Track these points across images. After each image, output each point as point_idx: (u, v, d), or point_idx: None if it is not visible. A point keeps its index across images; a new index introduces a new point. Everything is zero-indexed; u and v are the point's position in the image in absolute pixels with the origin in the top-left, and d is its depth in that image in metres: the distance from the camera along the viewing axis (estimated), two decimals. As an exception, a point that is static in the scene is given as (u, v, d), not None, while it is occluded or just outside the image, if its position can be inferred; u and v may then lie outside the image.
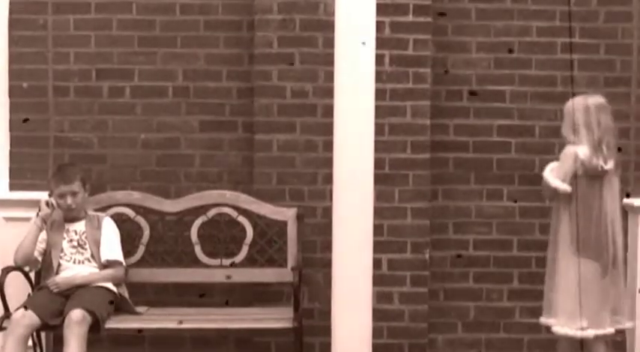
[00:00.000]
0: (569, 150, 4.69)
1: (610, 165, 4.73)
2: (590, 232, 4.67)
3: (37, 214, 5.23)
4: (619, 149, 4.87)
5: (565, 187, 4.65)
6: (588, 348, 4.72)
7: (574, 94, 5.70)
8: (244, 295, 5.64)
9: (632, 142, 5.79)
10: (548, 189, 4.73)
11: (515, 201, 5.69)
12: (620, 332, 4.82)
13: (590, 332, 4.64)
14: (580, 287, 4.54)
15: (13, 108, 5.72)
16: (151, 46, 5.71)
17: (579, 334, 4.64)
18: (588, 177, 4.68)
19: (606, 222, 4.73)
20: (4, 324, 4.94)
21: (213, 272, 5.50)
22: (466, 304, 5.51)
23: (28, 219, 5.36)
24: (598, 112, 4.73)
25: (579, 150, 4.66)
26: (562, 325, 4.68)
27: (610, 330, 4.72)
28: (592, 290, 4.63)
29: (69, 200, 5.20)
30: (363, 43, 4.99)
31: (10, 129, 5.73)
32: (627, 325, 4.85)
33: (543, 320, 4.84)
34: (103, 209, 5.46)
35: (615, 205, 4.79)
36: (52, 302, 5.03)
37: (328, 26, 5.48)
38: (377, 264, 5.53)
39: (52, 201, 5.19)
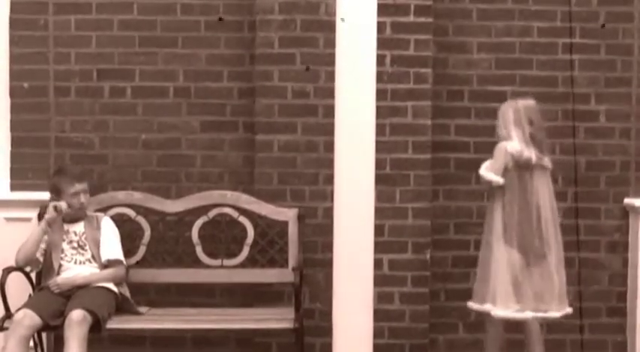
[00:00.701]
0: (500, 145, 5.03)
1: (545, 161, 5.05)
2: (521, 223, 4.97)
3: (40, 216, 5.23)
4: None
5: (497, 179, 4.98)
6: (524, 330, 5.11)
7: (574, 95, 5.76)
8: (245, 295, 5.64)
9: (632, 142, 5.79)
10: (484, 183, 5.08)
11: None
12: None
13: (529, 314, 4.97)
14: (511, 274, 4.94)
15: (14, 108, 5.72)
16: (152, 46, 5.70)
17: (519, 315, 4.97)
18: (519, 170, 4.99)
19: (538, 215, 5.00)
20: (5, 325, 4.94)
21: (214, 273, 5.50)
22: (467, 304, 5.48)
23: (28, 220, 5.36)
24: (527, 112, 5.06)
25: (509, 145, 5.00)
26: (499, 308, 4.97)
27: (554, 314, 5.03)
28: (521, 277, 4.96)
29: (82, 198, 5.21)
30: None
31: (11, 130, 5.73)
32: (567, 310, 5.10)
33: (477, 306, 5.09)
34: (104, 209, 5.46)
35: (551, 200, 5.08)
36: (53, 302, 5.02)
37: (329, 26, 5.50)
38: (378, 264, 5.54)
39: (62, 205, 5.15)
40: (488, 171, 5.02)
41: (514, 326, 5.16)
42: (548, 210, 5.04)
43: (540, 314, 5.01)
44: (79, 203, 5.20)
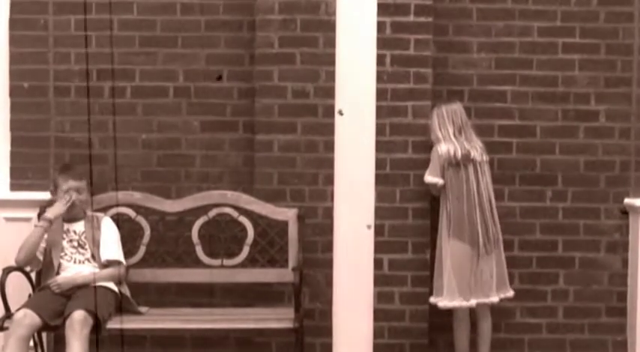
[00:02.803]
0: (433, 149, 5.38)
1: (476, 155, 5.36)
2: (463, 217, 5.29)
3: (40, 216, 5.22)
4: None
5: (437, 180, 5.34)
6: (477, 316, 5.45)
7: (574, 95, 5.76)
8: (245, 295, 5.64)
9: (632, 142, 5.79)
10: (432, 188, 5.42)
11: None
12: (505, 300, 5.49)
13: (473, 302, 5.30)
14: (459, 267, 5.28)
15: (14, 108, 5.72)
16: (152, 46, 5.70)
17: (465, 304, 5.29)
18: (454, 168, 5.31)
19: (482, 207, 5.33)
20: (5, 324, 4.94)
21: (214, 273, 5.50)
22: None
23: (28, 220, 5.36)
24: (449, 114, 5.38)
25: (438, 147, 5.34)
26: (448, 301, 5.30)
27: (494, 299, 5.37)
28: (468, 269, 5.28)
29: (74, 196, 5.21)
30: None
31: (11, 130, 5.73)
32: (509, 294, 5.47)
33: (432, 299, 5.41)
34: (104, 209, 5.46)
35: (490, 190, 5.40)
36: (53, 302, 5.02)
37: (329, 26, 5.49)
38: (378, 264, 5.54)
39: (71, 197, 5.17)
40: (428, 175, 5.37)
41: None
42: (484, 198, 5.33)
43: (482, 300, 5.33)
44: (70, 200, 5.19)
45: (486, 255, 5.31)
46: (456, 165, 5.31)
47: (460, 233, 5.27)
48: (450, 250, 5.30)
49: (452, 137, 5.34)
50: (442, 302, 5.32)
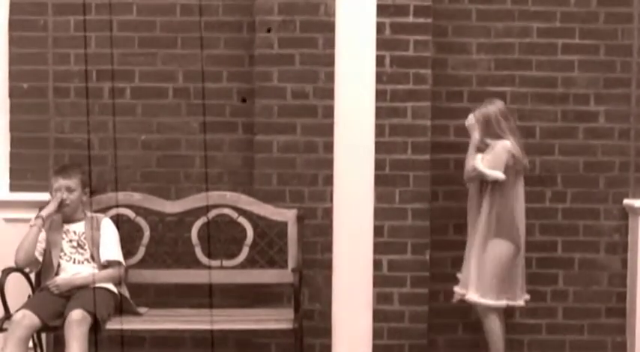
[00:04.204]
0: (502, 143, 5.18)
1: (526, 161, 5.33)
2: (512, 217, 5.20)
3: (37, 215, 5.23)
4: None
5: (501, 175, 5.15)
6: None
7: (573, 96, 5.76)
8: (245, 296, 5.64)
9: (631, 143, 5.79)
10: (473, 178, 5.25)
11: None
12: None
13: (503, 303, 5.24)
14: (498, 266, 5.17)
15: (14, 109, 5.72)
16: (152, 47, 5.71)
17: (502, 304, 5.23)
18: (512, 170, 5.20)
19: (520, 209, 5.26)
20: (4, 325, 4.94)
21: (214, 274, 5.50)
22: (466, 305, 5.49)
23: (28, 220, 5.35)
24: (506, 111, 5.32)
25: (504, 142, 5.19)
26: (493, 300, 5.20)
27: (520, 302, 5.35)
28: (508, 269, 5.21)
29: (64, 194, 5.21)
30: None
31: (11, 130, 5.73)
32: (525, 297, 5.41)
33: (475, 297, 5.22)
34: (104, 210, 5.46)
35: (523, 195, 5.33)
36: (52, 303, 5.03)
37: (328, 27, 5.49)
38: (377, 265, 5.52)
39: (64, 194, 5.18)
40: (490, 170, 5.15)
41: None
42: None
43: (512, 302, 5.29)
44: (60, 198, 5.19)
45: (519, 256, 5.29)
46: (513, 163, 5.20)
47: (506, 232, 5.18)
48: (494, 249, 5.19)
49: (510, 135, 5.23)
50: (485, 300, 5.20)
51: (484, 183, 5.23)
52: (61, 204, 5.22)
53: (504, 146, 5.18)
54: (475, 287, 5.21)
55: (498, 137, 5.22)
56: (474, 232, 5.29)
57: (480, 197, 5.27)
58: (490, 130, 5.24)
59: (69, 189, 5.23)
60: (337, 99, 5.51)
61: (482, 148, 5.26)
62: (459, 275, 5.44)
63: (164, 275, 5.53)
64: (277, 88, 5.56)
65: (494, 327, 5.23)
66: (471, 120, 5.31)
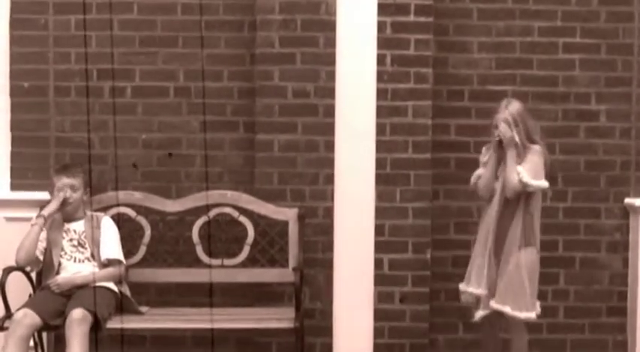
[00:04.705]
0: (538, 148, 4.91)
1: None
2: (538, 224, 4.98)
3: (39, 214, 5.23)
4: None
5: (545, 184, 4.92)
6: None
7: (574, 95, 5.75)
8: (245, 295, 5.64)
9: (632, 142, 5.79)
10: (516, 191, 4.87)
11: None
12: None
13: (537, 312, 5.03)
14: (532, 275, 4.93)
15: (14, 108, 5.72)
16: (152, 46, 5.70)
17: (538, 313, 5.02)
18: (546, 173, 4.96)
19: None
20: (5, 324, 4.94)
21: (215, 273, 5.49)
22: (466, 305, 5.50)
23: (29, 220, 5.35)
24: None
25: (539, 148, 4.92)
26: (528, 312, 4.93)
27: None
28: (537, 277, 5.00)
29: (68, 193, 5.21)
30: None
31: (12, 129, 5.73)
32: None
33: (516, 312, 4.91)
34: (104, 209, 5.46)
35: None
36: (53, 302, 5.03)
37: (330, 26, 5.49)
38: (378, 263, 5.53)
39: (67, 193, 5.18)
40: (534, 179, 4.85)
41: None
42: None
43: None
44: (63, 196, 5.19)
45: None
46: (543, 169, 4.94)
47: (534, 240, 4.93)
48: (527, 258, 4.90)
49: (536, 136, 4.96)
50: (524, 314, 4.91)
51: (527, 194, 4.91)
52: (64, 203, 5.22)
53: (538, 151, 4.92)
54: (510, 299, 4.89)
55: (530, 141, 4.93)
56: (503, 241, 4.94)
57: (506, 205, 4.93)
58: (521, 134, 4.92)
59: (72, 188, 5.24)
60: (338, 98, 5.52)
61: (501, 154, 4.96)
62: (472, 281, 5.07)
63: (165, 274, 5.53)
64: (278, 87, 5.56)
65: (523, 345, 5.04)
66: (505, 130, 4.91)
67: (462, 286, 5.11)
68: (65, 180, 5.23)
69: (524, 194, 4.89)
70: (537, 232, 4.95)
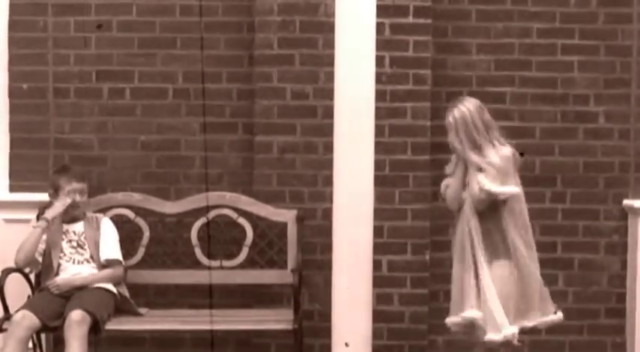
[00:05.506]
0: (505, 151, 4.48)
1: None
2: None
3: (39, 217, 5.22)
4: None
5: (514, 190, 4.49)
6: None
7: (573, 96, 5.75)
8: (244, 297, 5.64)
9: (631, 143, 5.79)
10: (484, 201, 4.46)
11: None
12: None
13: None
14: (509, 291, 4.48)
15: (14, 109, 5.72)
16: (151, 47, 5.71)
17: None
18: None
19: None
20: (4, 326, 4.94)
21: (214, 274, 5.50)
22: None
23: (28, 221, 5.36)
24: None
25: (506, 149, 4.51)
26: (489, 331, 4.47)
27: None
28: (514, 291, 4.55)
29: (77, 197, 5.21)
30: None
31: (11, 131, 5.73)
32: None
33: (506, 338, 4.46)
34: (103, 210, 5.46)
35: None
36: (52, 303, 5.03)
37: (328, 28, 5.49)
38: (377, 265, 5.53)
39: (73, 199, 5.18)
40: (503, 186, 4.44)
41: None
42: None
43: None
44: (72, 200, 5.19)
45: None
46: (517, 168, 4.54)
47: (510, 253, 4.47)
48: (495, 274, 4.46)
49: (498, 135, 4.54)
50: (488, 335, 4.46)
51: (495, 203, 4.49)
52: (73, 206, 5.22)
53: (506, 154, 4.50)
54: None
55: (489, 144, 4.50)
56: (484, 257, 4.50)
57: (480, 216, 4.50)
58: (471, 137, 4.51)
59: (81, 192, 5.24)
60: (337, 100, 5.52)
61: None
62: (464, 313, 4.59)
63: (164, 275, 5.54)
64: (277, 89, 5.57)
65: None
66: (451, 139, 4.57)
67: (448, 320, 4.70)
68: (75, 185, 5.22)
69: (494, 203, 4.47)
70: (516, 243, 4.48)
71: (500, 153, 4.48)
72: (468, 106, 4.55)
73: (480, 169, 4.47)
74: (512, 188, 4.47)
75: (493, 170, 4.45)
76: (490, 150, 4.49)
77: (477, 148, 4.49)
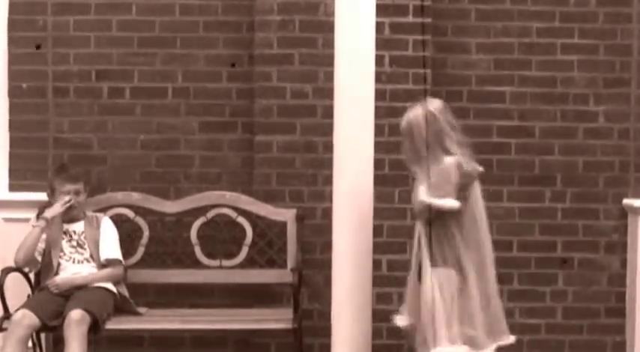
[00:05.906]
0: (446, 161, 4.23)
1: (476, 166, 4.36)
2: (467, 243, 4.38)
3: (39, 216, 5.22)
4: None
5: (455, 203, 4.24)
6: None
7: (573, 95, 5.74)
8: (244, 296, 5.64)
9: (631, 143, 5.79)
10: (420, 215, 4.36)
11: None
12: None
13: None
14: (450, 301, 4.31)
15: (13, 109, 5.72)
16: (151, 46, 5.71)
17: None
18: (463, 185, 4.29)
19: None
20: (4, 325, 4.94)
21: (213, 273, 5.50)
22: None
23: (27, 220, 5.36)
24: (445, 115, 4.37)
25: (447, 159, 4.25)
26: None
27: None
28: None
29: (73, 199, 5.21)
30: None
31: (10, 130, 5.73)
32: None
33: None
34: (103, 210, 5.46)
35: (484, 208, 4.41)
36: (51, 303, 5.03)
37: (328, 27, 5.49)
38: (377, 264, 5.52)
39: (70, 199, 5.18)
40: (439, 199, 4.23)
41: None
42: (485, 222, 4.39)
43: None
44: (69, 202, 5.19)
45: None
46: (466, 181, 4.29)
47: (451, 260, 4.33)
48: (434, 282, 4.33)
49: (455, 145, 4.30)
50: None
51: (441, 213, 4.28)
52: (70, 207, 5.21)
53: (448, 166, 4.25)
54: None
55: (443, 150, 4.30)
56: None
57: (434, 224, 4.31)
58: (416, 147, 4.36)
59: (77, 193, 5.24)
60: (336, 99, 5.51)
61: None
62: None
63: (163, 275, 5.54)
64: (277, 88, 5.57)
65: None
66: (407, 149, 4.45)
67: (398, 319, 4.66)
68: (69, 186, 5.22)
69: (441, 212, 4.26)
70: (463, 262, 4.31)
71: (441, 165, 4.26)
72: (416, 114, 4.42)
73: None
74: (451, 202, 4.22)
75: (436, 181, 4.26)
76: (437, 160, 4.28)
77: (422, 158, 4.31)
